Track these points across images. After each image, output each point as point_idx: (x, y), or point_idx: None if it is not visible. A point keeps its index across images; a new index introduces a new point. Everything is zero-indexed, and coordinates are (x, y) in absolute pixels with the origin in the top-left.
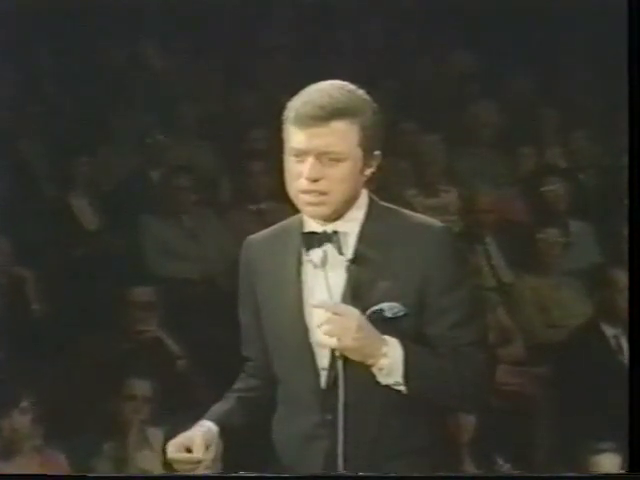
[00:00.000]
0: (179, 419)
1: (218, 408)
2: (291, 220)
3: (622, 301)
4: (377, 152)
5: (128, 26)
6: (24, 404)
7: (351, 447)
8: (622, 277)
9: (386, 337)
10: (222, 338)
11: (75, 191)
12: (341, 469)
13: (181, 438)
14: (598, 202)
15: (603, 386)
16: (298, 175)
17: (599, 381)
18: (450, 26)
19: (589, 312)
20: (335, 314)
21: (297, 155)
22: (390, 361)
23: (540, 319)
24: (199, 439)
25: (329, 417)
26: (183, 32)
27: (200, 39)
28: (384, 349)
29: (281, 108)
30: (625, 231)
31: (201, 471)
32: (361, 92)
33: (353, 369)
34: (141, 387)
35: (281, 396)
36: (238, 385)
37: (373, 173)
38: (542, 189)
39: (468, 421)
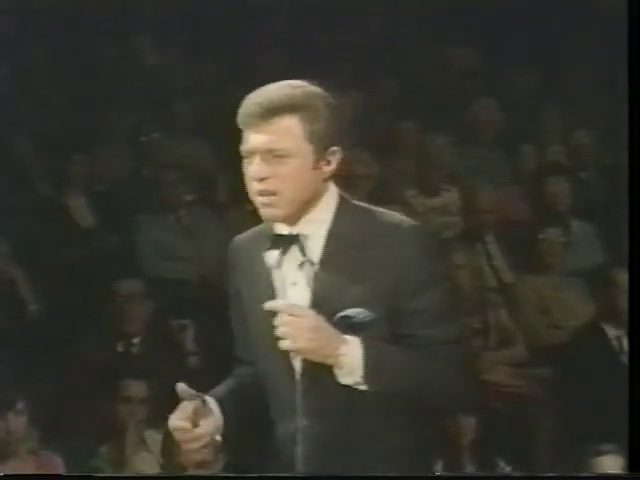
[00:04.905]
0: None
1: (218, 389)
2: (268, 222)
3: (625, 302)
4: (335, 148)
5: (124, 24)
6: (19, 406)
7: (326, 451)
8: (624, 277)
9: (347, 337)
10: (219, 338)
11: (71, 190)
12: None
13: (178, 410)
14: (600, 201)
15: (605, 387)
16: (250, 177)
17: (601, 382)
18: (450, 24)
19: (591, 313)
20: (290, 315)
21: (246, 157)
22: (349, 361)
23: (541, 320)
24: (190, 406)
25: (305, 423)
26: (180, 29)
27: (197, 36)
28: (342, 349)
29: None
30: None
31: (202, 445)
32: (313, 88)
33: (328, 373)
34: (138, 389)
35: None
36: (237, 371)
37: (339, 170)
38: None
39: (469, 423)
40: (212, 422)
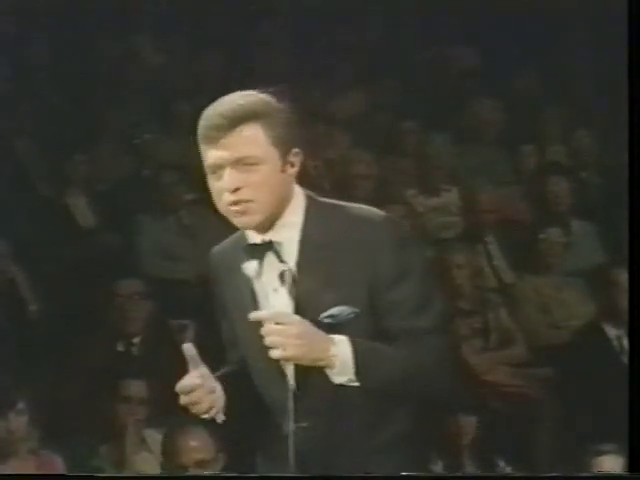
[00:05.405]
0: (177, 421)
1: (219, 372)
2: (243, 232)
3: (625, 302)
4: (296, 150)
5: (124, 24)
6: (20, 406)
7: (326, 450)
8: (625, 277)
9: (334, 336)
10: (219, 338)
11: (71, 190)
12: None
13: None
14: (601, 201)
15: (605, 387)
16: (221, 191)
17: (601, 382)
18: (450, 24)
19: (591, 313)
20: (276, 324)
21: (215, 171)
22: (340, 361)
23: (542, 320)
24: (196, 373)
25: (304, 424)
26: (180, 29)
27: (197, 36)
28: (332, 350)
29: None
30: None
31: (212, 401)
32: (263, 96)
33: (320, 373)
34: (138, 388)
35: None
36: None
37: (304, 171)
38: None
39: (469, 422)
40: (218, 388)
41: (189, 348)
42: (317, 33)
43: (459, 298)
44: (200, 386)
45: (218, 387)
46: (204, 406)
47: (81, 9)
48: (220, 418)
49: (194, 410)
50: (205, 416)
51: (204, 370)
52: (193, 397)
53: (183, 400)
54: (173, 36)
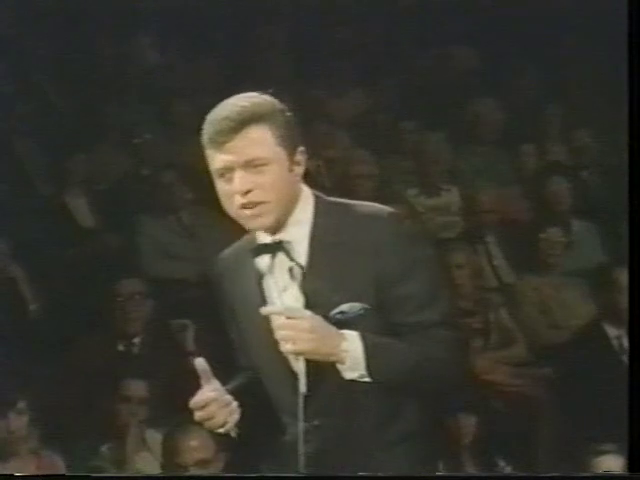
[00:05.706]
0: (178, 421)
1: (230, 385)
2: (251, 234)
3: (625, 302)
4: (301, 148)
5: (124, 24)
6: (20, 406)
7: (338, 447)
8: (625, 277)
9: (345, 332)
10: (219, 338)
11: (71, 190)
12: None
13: (195, 401)
14: (601, 201)
15: (605, 387)
16: (231, 194)
17: (601, 382)
18: (451, 24)
19: (592, 313)
20: (288, 318)
21: (223, 174)
22: (351, 356)
23: (542, 320)
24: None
25: (316, 423)
26: (180, 29)
27: (197, 36)
28: (343, 345)
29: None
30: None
31: (229, 412)
32: (264, 97)
33: (330, 371)
34: (138, 388)
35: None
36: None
37: (312, 170)
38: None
39: (469, 423)
40: (232, 403)
41: (201, 363)
42: (317, 33)
43: (459, 298)
44: (214, 400)
45: (232, 402)
46: (219, 420)
47: (81, 9)
48: (235, 432)
49: (208, 425)
50: (220, 430)
51: (216, 384)
52: (207, 412)
53: (197, 416)
54: (173, 36)
